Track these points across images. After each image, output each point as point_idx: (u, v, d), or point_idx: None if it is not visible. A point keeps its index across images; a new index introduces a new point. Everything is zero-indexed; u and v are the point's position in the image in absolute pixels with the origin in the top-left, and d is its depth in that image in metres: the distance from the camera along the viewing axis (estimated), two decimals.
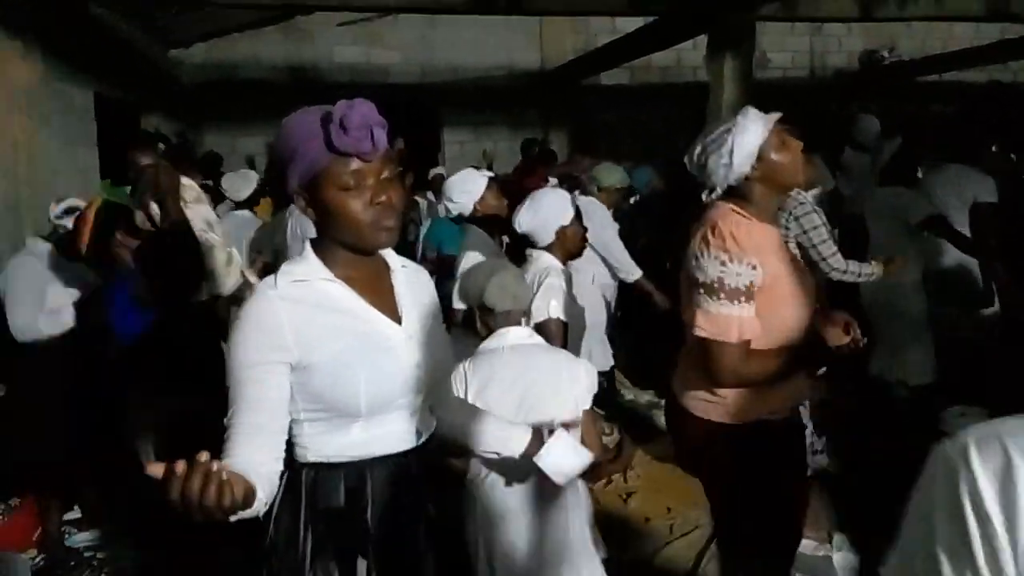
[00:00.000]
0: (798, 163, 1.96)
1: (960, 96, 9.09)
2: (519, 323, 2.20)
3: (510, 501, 2.04)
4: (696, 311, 1.90)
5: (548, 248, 2.78)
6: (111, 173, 5.90)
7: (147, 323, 2.71)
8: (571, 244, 2.82)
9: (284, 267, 1.40)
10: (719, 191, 1.98)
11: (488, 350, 2.14)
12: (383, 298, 1.44)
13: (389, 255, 1.51)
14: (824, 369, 2.04)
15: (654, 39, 6.54)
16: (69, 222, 3.19)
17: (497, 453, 1.69)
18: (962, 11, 5.67)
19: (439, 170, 7.46)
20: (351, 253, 1.38)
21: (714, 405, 2.00)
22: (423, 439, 1.49)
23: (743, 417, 1.98)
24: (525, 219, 2.78)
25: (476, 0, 4.78)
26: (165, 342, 2.69)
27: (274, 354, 1.31)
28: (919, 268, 4.05)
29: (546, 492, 2.02)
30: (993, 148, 4.55)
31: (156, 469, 0.99)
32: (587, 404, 2.19)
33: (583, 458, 1.70)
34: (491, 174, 3.37)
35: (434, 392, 1.53)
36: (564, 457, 1.67)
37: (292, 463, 1.39)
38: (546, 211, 2.76)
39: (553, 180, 5.28)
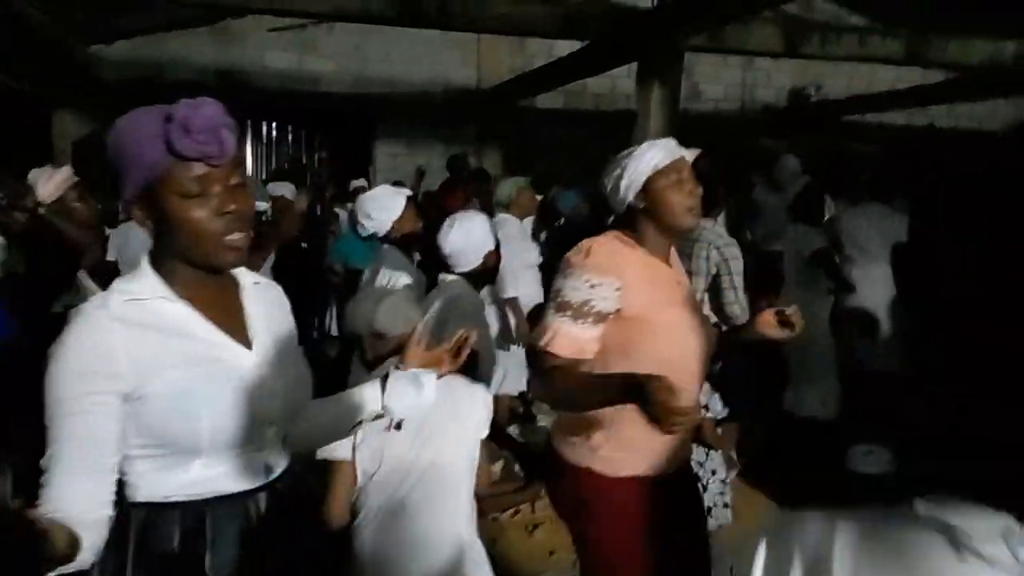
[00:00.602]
0: (686, 207, 1.86)
1: (882, 136, 9.42)
2: None
3: (399, 552, 1.91)
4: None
5: (465, 274, 2.69)
6: (11, 170, 5.62)
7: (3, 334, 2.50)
8: (494, 268, 2.75)
9: (116, 284, 1.24)
10: (618, 214, 1.94)
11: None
12: (231, 319, 1.31)
13: (240, 271, 1.38)
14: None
15: (586, 64, 6.57)
16: None
17: (355, 427, 1.53)
18: (883, 53, 5.84)
19: (361, 182, 7.32)
20: (194, 270, 1.25)
21: (587, 452, 1.89)
22: (275, 475, 1.36)
23: (620, 469, 1.86)
24: (452, 241, 2.66)
25: (404, 11, 4.69)
26: (21, 355, 2.48)
27: (104, 383, 1.15)
28: (826, 307, 4.13)
29: (441, 539, 1.92)
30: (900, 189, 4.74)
31: None
32: (484, 432, 2.10)
33: (426, 389, 1.47)
34: (409, 192, 3.26)
35: (291, 423, 1.41)
36: (404, 393, 1.45)
37: (121, 503, 1.22)
38: (476, 235, 2.67)
39: (474, 202, 5.23)
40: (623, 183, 1.86)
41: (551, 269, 4.63)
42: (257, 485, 1.31)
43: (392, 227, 3.11)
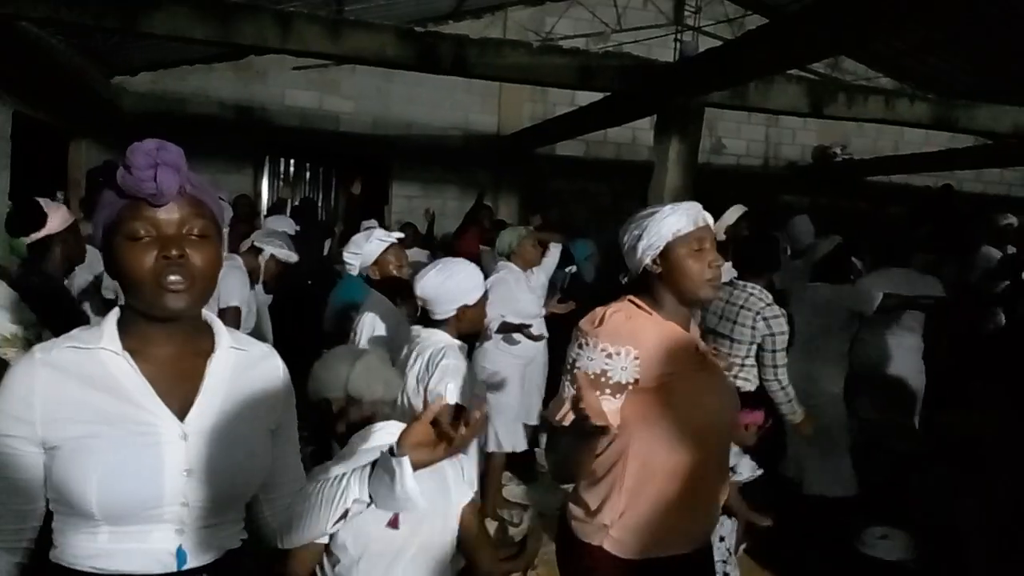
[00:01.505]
0: (705, 278, 1.77)
1: (906, 197, 9.25)
2: (387, 417, 1.94)
3: None
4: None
5: (442, 323, 2.54)
6: (27, 196, 5.60)
7: None
8: (469, 325, 2.57)
9: (75, 331, 1.22)
10: (633, 275, 1.85)
11: (358, 452, 1.79)
12: (181, 384, 1.21)
13: (223, 334, 1.27)
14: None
15: (607, 115, 6.49)
16: None
17: (340, 518, 1.34)
18: (910, 117, 5.70)
19: (371, 223, 7.24)
20: (151, 322, 1.19)
21: (598, 530, 1.76)
22: (190, 566, 1.20)
23: (630, 551, 1.73)
24: (429, 285, 2.51)
25: (420, 58, 4.63)
26: None
27: (19, 428, 1.13)
28: (840, 378, 3.92)
29: None
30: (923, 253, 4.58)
31: None
32: (467, 498, 1.94)
33: (408, 480, 1.27)
34: (399, 236, 3.15)
35: (238, 509, 1.28)
36: (386, 481, 1.28)
37: (42, 558, 1.19)
38: (454, 283, 2.52)
39: (485, 249, 5.11)
40: (641, 244, 1.76)
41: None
42: (167, 572, 1.18)
43: (370, 269, 3.02)
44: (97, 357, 1.17)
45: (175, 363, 1.22)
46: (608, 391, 1.66)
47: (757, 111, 6.57)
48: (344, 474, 1.31)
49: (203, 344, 1.27)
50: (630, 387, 1.68)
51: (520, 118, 8.82)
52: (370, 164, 9.03)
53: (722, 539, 3.13)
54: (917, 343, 4.30)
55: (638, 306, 1.78)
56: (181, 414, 1.19)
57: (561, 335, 4.47)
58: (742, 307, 3.31)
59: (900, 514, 3.72)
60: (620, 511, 1.73)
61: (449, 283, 2.51)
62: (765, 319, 3.27)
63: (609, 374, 1.66)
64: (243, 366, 1.29)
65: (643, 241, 1.76)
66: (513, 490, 4.60)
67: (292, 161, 9.31)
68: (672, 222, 1.74)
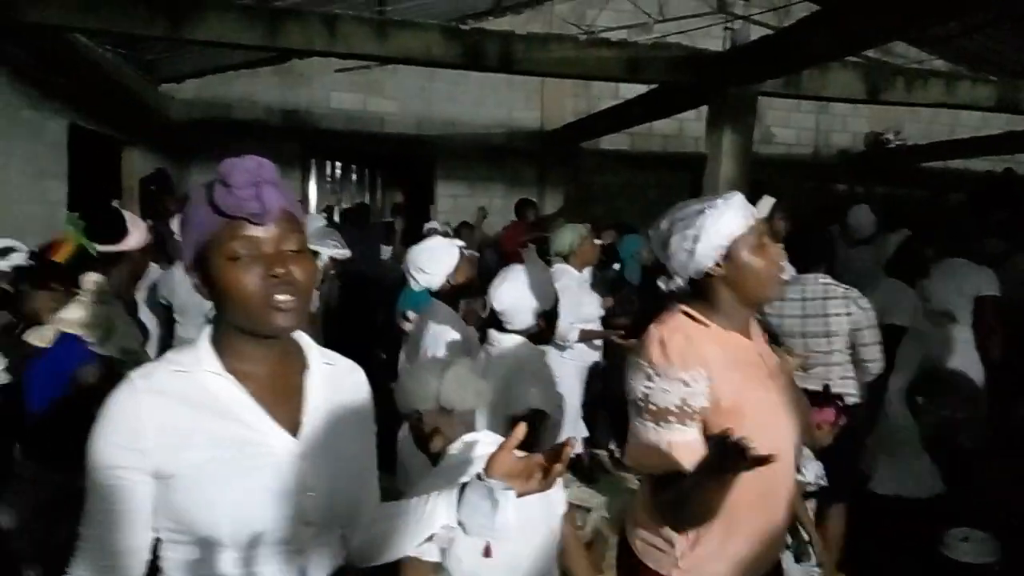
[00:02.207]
0: (772, 274, 1.63)
1: (963, 184, 8.95)
2: (473, 427, 1.88)
3: None
4: (629, 432, 1.65)
5: (520, 331, 2.48)
6: (82, 207, 5.70)
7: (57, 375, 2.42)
8: (550, 329, 2.52)
9: (169, 354, 1.19)
10: (679, 281, 1.69)
11: (455, 467, 1.71)
12: (285, 402, 1.18)
13: (311, 349, 1.25)
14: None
15: (654, 107, 6.39)
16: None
17: (424, 542, 1.29)
18: (972, 100, 5.50)
19: (434, 224, 7.20)
20: (250, 341, 1.15)
21: (664, 556, 1.65)
22: None
23: None
24: (506, 297, 2.46)
25: (467, 56, 4.59)
26: (75, 400, 2.38)
27: (130, 458, 1.08)
28: (905, 374, 3.77)
29: None
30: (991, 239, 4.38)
31: None
32: (562, 509, 1.89)
33: (503, 510, 1.21)
34: (462, 243, 3.09)
35: (342, 526, 1.25)
36: (481, 509, 1.21)
37: None
38: (528, 293, 2.46)
39: (531, 247, 5.04)
40: (700, 247, 1.59)
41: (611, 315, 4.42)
42: None
43: (446, 282, 2.94)
44: (199, 380, 1.14)
45: (275, 381, 1.19)
46: (696, 419, 1.55)
47: (812, 99, 6.41)
48: (433, 495, 1.26)
49: (296, 361, 1.24)
50: (689, 410, 1.55)
51: (563, 113, 8.74)
52: (414, 164, 9.05)
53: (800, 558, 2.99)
54: (971, 335, 4.13)
55: (693, 319, 1.63)
56: (292, 433, 1.16)
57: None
58: (825, 298, 3.16)
59: (978, 514, 3.57)
60: (692, 542, 1.62)
61: (525, 293, 2.46)
62: (855, 302, 3.13)
63: (691, 402, 1.54)
64: (335, 381, 1.27)
65: (702, 243, 1.59)
66: (575, 492, 4.53)
67: (338, 164, 9.35)
68: (730, 219, 1.59)
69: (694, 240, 1.60)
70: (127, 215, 2.96)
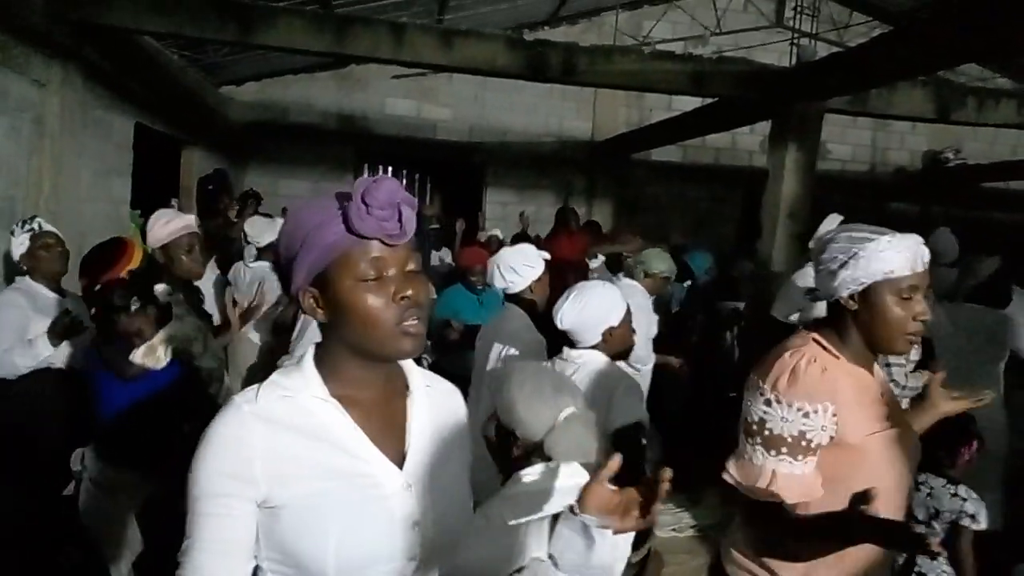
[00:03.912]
0: (905, 331, 1.53)
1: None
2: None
3: None
4: (735, 452, 1.59)
5: (593, 347, 2.44)
6: (144, 204, 5.81)
7: (132, 396, 2.43)
8: (618, 346, 2.43)
9: (274, 376, 1.13)
10: (818, 306, 1.67)
11: (533, 495, 1.58)
12: (390, 429, 1.14)
13: (413, 372, 1.21)
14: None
15: (712, 121, 6.33)
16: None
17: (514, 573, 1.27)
18: None
19: (495, 232, 7.16)
20: (359, 364, 1.11)
21: None
22: None
23: None
24: (569, 315, 2.41)
25: (530, 67, 4.58)
26: (151, 417, 2.40)
27: (237, 486, 1.05)
28: (1001, 404, 3.65)
29: None
30: None
31: None
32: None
33: (599, 549, 1.17)
34: (547, 256, 3.06)
35: (442, 559, 1.20)
36: (574, 545, 1.17)
37: None
38: (594, 309, 2.39)
39: (599, 259, 5.00)
40: (843, 273, 1.52)
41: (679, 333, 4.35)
42: None
43: (529, 287, 2.93)
44: (305, 405, 1.10)
45: (379, 407, 1.15)
46: (810, 455, 1.50)
47: (879, 116, 6.28)
48: (521, 525, 1.22)
49: (398, 384, 1.20)
50: (806, 443, 1.50)
51: (615, 123, 8.72)
52: (465, 170, 9.08)
53: None
54: None
55: (826, 350, 1.57)
56: (397, 462, 1.12)
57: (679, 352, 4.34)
58: (987, 323, 3.04)
59: None
60: (802, 571, 1.56)
61: (588, 310, 2.41)
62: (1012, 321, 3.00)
63: (808, 436, 1.48)
64: (436, 405, 1.22)
65: (846, 271, 1.52)
66: None
67: (390, 169, 9.43)
68: (887, 259, 1.49)
69: (840, 265, 1.53)
70: (154, 215, 2.95)
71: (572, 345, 2.47)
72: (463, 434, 1.26)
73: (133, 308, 2.37)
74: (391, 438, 1.14)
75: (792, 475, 1.50)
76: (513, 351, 2.73)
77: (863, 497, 1.32)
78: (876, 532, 1.33)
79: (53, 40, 4.10)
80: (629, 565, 3.46)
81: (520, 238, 6.67)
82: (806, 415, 1.48)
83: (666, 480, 1.06)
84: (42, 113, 4.20)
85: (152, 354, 2.37)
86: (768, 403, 1.52)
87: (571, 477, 1.52)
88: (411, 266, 1.10)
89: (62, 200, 4.35)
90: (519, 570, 1.21)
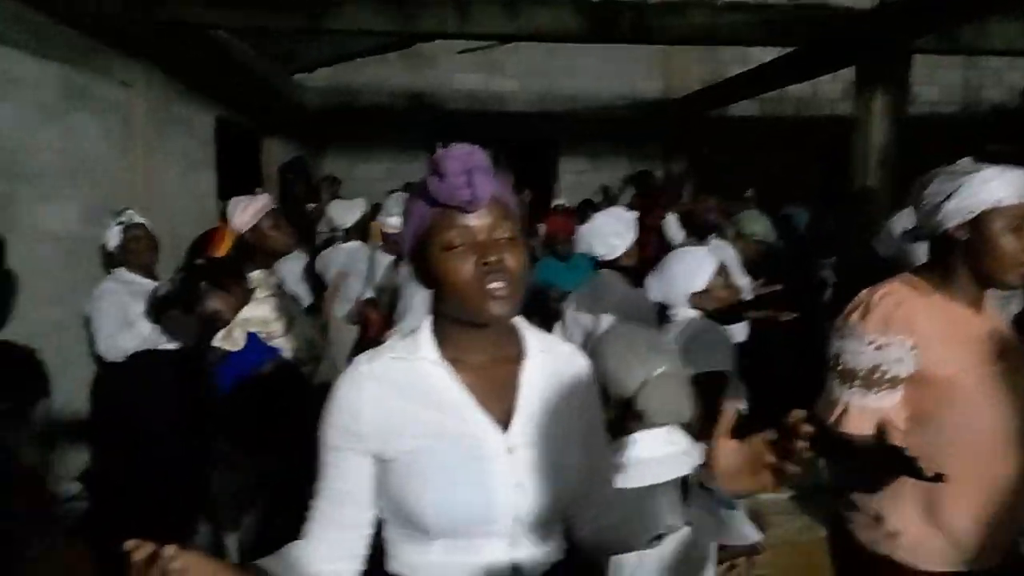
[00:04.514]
0: (1017, 261, 1.50)
1: None
2: None
3: None
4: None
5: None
6: (229, 196, 5.98)
7: (245, 373, 2.53)
8: (716, 305, 2.36)
9: (391, 340, 1.22)
10: (918, 252, 1.64)
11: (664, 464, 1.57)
12: (500, 393, 1.16)
13: (531, 335, 1.23)
14: None
15: (792, 71, 6.08)
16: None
17: (652, 540, 1.22)
18: None
19: (560, 201, 7.14)
20: (466, 330, 1.15)
21: (886, 537, 1.58)
22: None
23: (924, 561, 1.55)
24: (654, 288, 2.41)
25: (597, 28, 4.49)
26: (261, 393, 2.50)
27: (350, 440, 1.13)
28: None
29: None
30: None
31: (129, 546, 0.86)
32: None
33: (734, 518, 1.23)
34: (635, 214, 3.03)
35: (562, 520, 1.22)
36: (708, 512, 1.18)
37: (379, 566, 1.18)
38: (673, 278, 2.38)
39: (672, 216, 4.89)
40: (948, 205, 1.51)
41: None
42: None
43: (622, 255, 2.90)
44: (417, 368, 1.15)
45: (490, 371, 1.17)
46: (884, 387, 1.51)
47: (973, 53, 5.92)
48: (652, 489, 1.21)
49: (512, 349, 1.21)
50: (906, 380, 1.51)
51: (689, 81, 8.48)
52: (536, 142, 9.02)
53: None
54: None
55: (913, 287, 1.57)
56: (503, 425, 1.15)
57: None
58: None
59: None
60: (909, 517, 1.56)
61: (669, 279, 2.38)
62: None
63: (883, 368, 1.50)
64: (553, 370, 1.22)
65: (951, 202, 1.50)
66: None
67: None
68: (995, 188, 1.48)
69: (944, 197, 1.52)
70: (230, 203, 3.02)
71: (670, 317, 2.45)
72: (584, 397, 1.26)
73: (204, 292, 2.47)
74: (500, 401, 1.16)
75: (864, 407, 1.52)
76: (620, 317, 2.69)
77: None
78: (884, 459, 1.42)
79: (134, 41, 4.24)
80: None
81: (586, 209, 6.61)
82: (879, 347, 1.50)
83: (799, 424, 0.99)
84: (129, 113, 4.37)
85: (229, 336, 2.45)
86: (842, 336, 1.57)
87: (672, 444, 1.50)
88: (501, 232, 1.10)
89: (154, 196, 4.53)
90: (658, 536, 1.20)
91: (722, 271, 2.39)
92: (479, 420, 1.13)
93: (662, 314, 2.47)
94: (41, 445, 3.16)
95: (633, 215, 2.95)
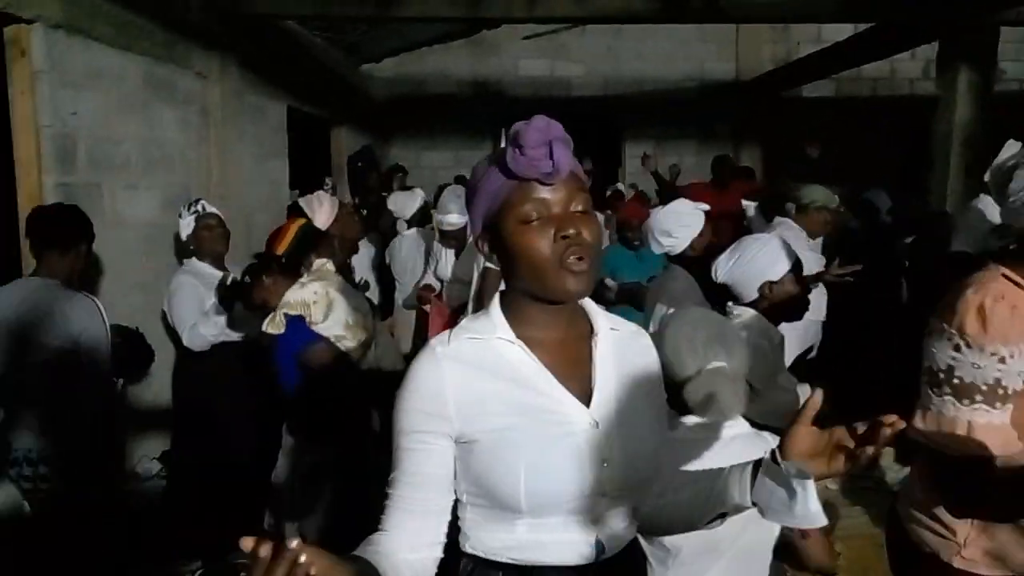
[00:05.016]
0: None
1: None
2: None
3: None
4: (919, 403, 1.46)
5: (753, 304, 2.33)
6: (301, 184, 6.11)
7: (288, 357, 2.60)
8: (782, 303, 2.27)
9: (463, 322, 1.21)
10: (1003, 233, 1.52)
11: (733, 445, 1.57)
12: (575, 369, 1.16)
13: (597, 314, 1.22)
14: None
15: (869, 49, 5.86)
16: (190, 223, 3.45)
17: (714, 519, 1.23)
18: None
19: (618, 186, 7.10)
20: (539, 307, 1.15)
21: (944, 542, 1.50)
22: (607, 555, 1.16)
23: (986, 567, 1.46)
24: (725, 268, 2.31)
25: (667, 8, 4.40)
26: (308, 380, 2.56)
27: (433, 423, 1.11)
28: None
29: None
30: None
31: (247, 543, 0.81)
32: None
33: (804, 501, 1.09)
34: (706, 207, 2.96)
35: (637, 498, 1.21)
36: (777, 494, 1.10)
37: (453, 548, 1.17)
38: (750, 262, 2.28)
39: (750, 204, 4.78)
40: None
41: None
42: (586, 563, 1.14)
43: (690, 246, 2.85)
44: (493, 347, 1.14)
45: (564, 348, 1.17)
46: (1007, 402, 1.37)
47: None
48: (723, 469, 1.18)
49: (582, 327, 1.21)
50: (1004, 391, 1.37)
51: (760, 62, 8.27)
52: (602, 126, 8.93)
53: None
54: None
55: (1016, 283, 1.41)
56: (583, 401, 1.14)
57: (849, 294, 4.07)
58: None
59: None
60: (978, 527, 1.46)
61: (744, 264, 2.30)
62: None
63: (1003, 382, 1.35)
64: (623, 347, 1.22)
65: None
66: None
67: None
68: None
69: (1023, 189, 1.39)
70: (303, 202, 3.20)
71: (734, 301, 2.38)
72: (653, 375, 1.26)
73: (249, 280, 2.61)
74: (577, 378, 1.15)
75: (991, 425, 1.36)
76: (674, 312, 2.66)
77: None
78: None
79: (210, 32, 4.34)
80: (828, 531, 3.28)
81: (665, 191, 6.50)
82: (1001, 360, 1.34)
83: (890, 425, 0.98)
84: (206, 104, 4.48)
85: (273, 321, 2.53)
86: (957, 348, 1.38)
87: (731, 428, 1.48)
88: (577, 206, 1.09)
89: (229, 185, 4.64)
90: (721, 515, 1.19)
91: (798, 267, 2.31)
92: (563, 395, 1.12)
93: (722, 302, 2.41)
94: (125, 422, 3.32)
95: (698, 206, 2.88)
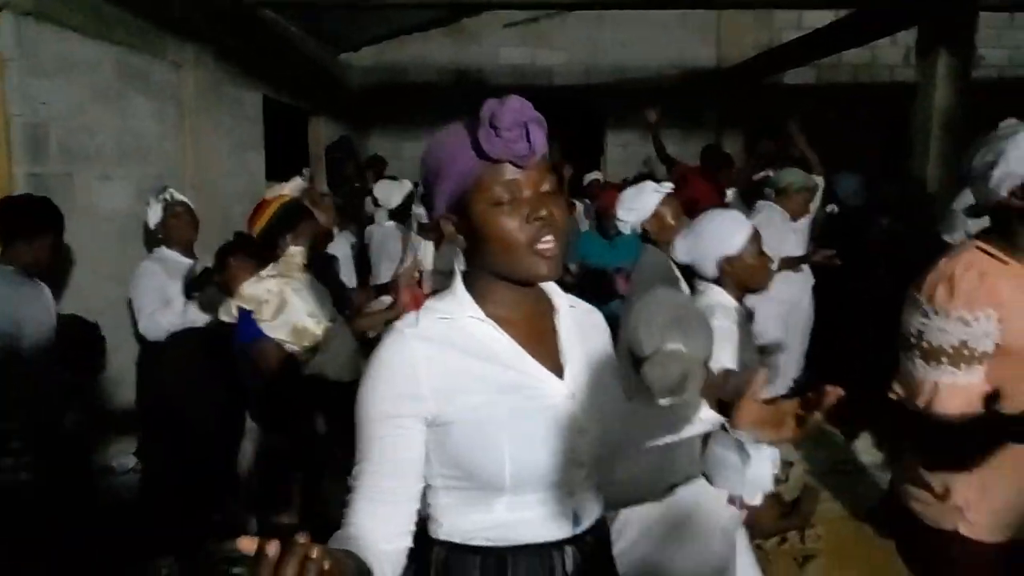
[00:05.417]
0: None
1: None
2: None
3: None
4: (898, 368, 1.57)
5: (717, 281, 2.31)
6: (276, 176, 6.04)
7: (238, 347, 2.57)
8: (744, 276, 2.23)
9: (428, 303, 1.18)
10: (981, 209, 1.57)
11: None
12: (543, 345, 1.18)
13: (554, 293, 1.24)
14: None
15: (850, 35, 5.86)
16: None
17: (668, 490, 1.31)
18: None
19: (595, 175, 7.07)
20: (505, 286, 1.14)
21: (948, 511, 1.54)
22: (582, 527, 1.17)
23: (993, 533, 1.52)
24: (682, 247, 2.30)
25: None
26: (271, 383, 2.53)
27: (407, 406, 1.09)
28: None
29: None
30: None
31: (248, 545, 0.77)
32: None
33: (755, 466, 1.15)
34: (669, 188, 2.94)
35: (604, 467, 1.23)
36: (727, 462, 1.16)
37: (422, 536, 1.15)
38: (705, 239, 2.24)
39: (731, 192, 4.78)
40: (996, 173, 1.46)
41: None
42: (564, 536, 1.15)
43: (643, 228, 2.84)
44: (463, 325, 1.14)
45: (530, 325, 1.18)
46: (972, 363, 1.46)
47: None
48: (672, 445, 1.20)
49: (543, 304, 1.23)
50: (967, 353, 1.46)
51: (742, 48, 8.21)
52: (584, 115, 8.89)
53: None
54: None
55: (989, 255, 1.50)
56: (556, 374, 1.15)
57: (827, 279, 4.09)
58: None
59: None
60: (977, 489, 1.51)
61: (699, 239, 2.27)
62: None
63: (970, 344, 1.45)
64: (582, 323, 1.25)
65: (998, 169, 1.45)
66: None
67: None
68: None
69: (990, 166, 1.46)
70: (274, 189, 3.14)
71: (700, 279, 2.36)
72: (609, 350, 1.28)
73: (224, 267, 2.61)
74: (546, 354, 1.16)
75: (955, 385, 1.47)
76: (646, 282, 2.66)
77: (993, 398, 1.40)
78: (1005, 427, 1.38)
79: (185, 21, 4.27)
80: (783, 501, 3.33)
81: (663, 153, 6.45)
82: (966, 323, 1.44)
83: (832, 395, 1.02)
84: (181, 93, 4.42)
85: (227, 309, 2.54)
86: (925, 314, 1.50)
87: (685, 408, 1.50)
88: (546, 187, 1.09)
89: (205, 175, 4.59)
90: (673, 486, 1.20)
91: (755, 238, 2.27)
92: (535, 370, 1.13)
93: (689, 282, 2.39)
94: (90, 417, 3.27)
95: (653, 187, 2.87)
